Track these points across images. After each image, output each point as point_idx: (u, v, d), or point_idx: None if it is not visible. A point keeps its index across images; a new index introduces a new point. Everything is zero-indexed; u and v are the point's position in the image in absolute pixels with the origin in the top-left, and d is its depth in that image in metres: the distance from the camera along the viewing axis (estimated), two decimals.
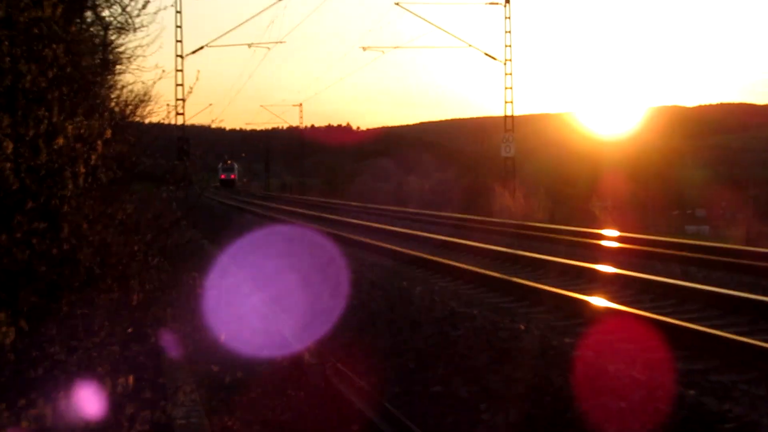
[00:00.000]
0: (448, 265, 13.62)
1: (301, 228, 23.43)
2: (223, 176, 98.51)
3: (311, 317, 9.63)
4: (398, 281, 12.20)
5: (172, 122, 34.74)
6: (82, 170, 4.95)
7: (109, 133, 5.29)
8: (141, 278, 5.46)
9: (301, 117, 72.81)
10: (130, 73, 16.22)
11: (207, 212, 31.51)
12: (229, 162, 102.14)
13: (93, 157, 5.11)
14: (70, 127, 4.89)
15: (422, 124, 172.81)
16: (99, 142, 5.15)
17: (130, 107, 14.82)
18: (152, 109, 18.83)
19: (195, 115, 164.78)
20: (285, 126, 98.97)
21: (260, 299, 10.62)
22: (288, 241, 18.20)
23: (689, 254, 14.31)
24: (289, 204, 43.08)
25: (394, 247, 16.75)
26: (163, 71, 14.13)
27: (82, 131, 5.06)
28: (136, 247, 5.52)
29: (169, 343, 5.51)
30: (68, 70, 5.23)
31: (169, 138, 34.81)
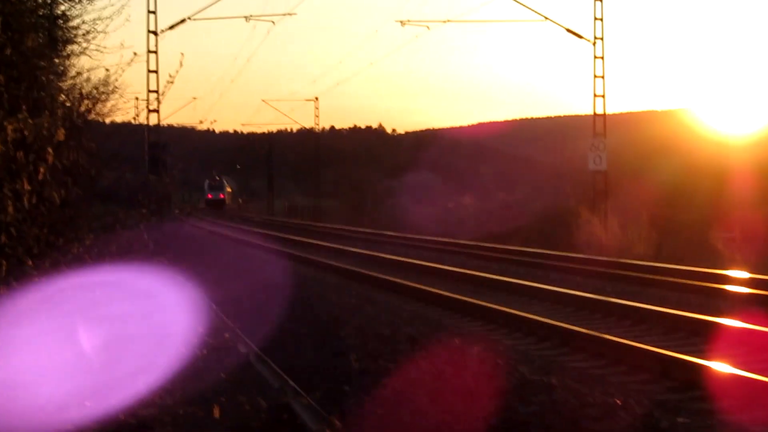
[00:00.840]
0: (516, 315, 13.55)
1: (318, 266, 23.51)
2: (210, 196, 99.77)
3: (333, 386, 9.65)
4: (447, 337, 12.15)
5: (144, 122, 34.68)
6: (27, 187, 4.99)
7: (62, 135, 5.31)
8: None
9: (317, 116, 73.11)
10: (86, 55, 16.28)
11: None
12: (218, 178, 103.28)
13: (41, 169, 5.14)
14: (10, 127, 4.91)
15: (480, 125, 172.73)
16: (49, 149, 5.18)
17: (87, 102, 14.86)
18: (117, 105, 18.82)
19: (174, 113, 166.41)
20: (295, 128, 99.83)
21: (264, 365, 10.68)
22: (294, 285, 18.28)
23: None
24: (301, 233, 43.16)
25: (440, 291, 16.72)
26: (135, 54, 14.18)
27: (26, 134, 5.08)
28: None
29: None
30: (7, 52, 5.31)
31: (140, 144, 35.00)
